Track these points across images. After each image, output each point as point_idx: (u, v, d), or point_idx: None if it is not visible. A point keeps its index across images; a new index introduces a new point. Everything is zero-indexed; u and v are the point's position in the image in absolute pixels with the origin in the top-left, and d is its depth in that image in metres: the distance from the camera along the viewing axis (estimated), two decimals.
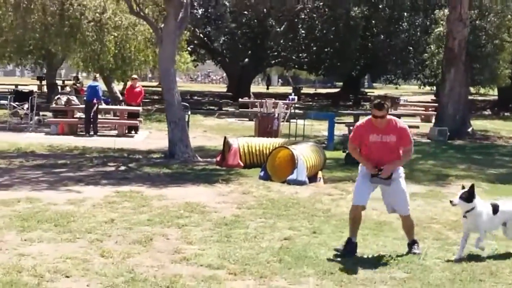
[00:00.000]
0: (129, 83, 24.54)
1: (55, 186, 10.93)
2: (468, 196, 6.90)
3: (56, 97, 22.86)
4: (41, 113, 23.16)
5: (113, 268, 6.23)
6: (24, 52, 31.08)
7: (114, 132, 20.73)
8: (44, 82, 37.44)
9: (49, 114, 22.63)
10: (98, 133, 19.98)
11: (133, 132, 20.77)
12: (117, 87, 32.97)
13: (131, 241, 7.32)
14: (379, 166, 7.09)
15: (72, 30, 24.27)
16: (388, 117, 7.16)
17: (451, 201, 7.09)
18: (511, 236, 7.33)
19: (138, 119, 21.24)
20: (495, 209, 7.09)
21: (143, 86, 24.34)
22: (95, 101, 19.83)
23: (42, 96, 31.75)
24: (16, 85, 35.38)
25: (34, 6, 22.92)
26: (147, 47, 27.03)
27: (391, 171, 7.10)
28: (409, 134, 7.23)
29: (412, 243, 7.27)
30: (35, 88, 34.20)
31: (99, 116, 20.77)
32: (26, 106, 22.60)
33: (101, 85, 22.77)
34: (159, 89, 28.59)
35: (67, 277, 5.98)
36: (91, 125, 19.81)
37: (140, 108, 21.78)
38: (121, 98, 27.46)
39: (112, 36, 25.68)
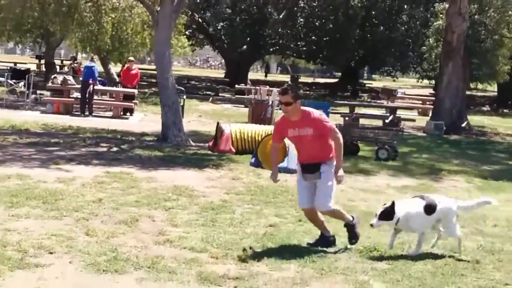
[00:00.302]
0: (126, 65, 24.55)
1: (46, 164, 10.99)
2: (388, 214, 6.64)
3: (52, 76, 22.87)
4: (38, 91, 23.16)
5: (97, 247, 6.31)
6: (23, 31, 31.06)
7: (110, 114, 20.76)
8: (42, 61, 37.39)
9: (46, 93, 22.65)
10: (93, 114, 20.01)
11: (128, 114, 20.81)
12: (114, 68, 32.95)
13: (117, 221, 7.40)
14: (309, 161, 6.80)
15: (70, 10, 24.30)
16: (302, 108, 6.82)
17: (371, 225, 6.74)
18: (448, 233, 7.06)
19: (134, 101, 21.28)
20: (430, 208, 6.80)
21: (141, 69, 24.36)
22: (91, 81, 19.85)
23: (41, 75, 31.71)
24: (15, 63, 35.29)
25: None
26: (144, 29, 27.06)
27: (342, 175, 6.79)
28: (324, 121, 6.78)
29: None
30: (33, 67, 34.18)
31: (95, 97, 20.78)
32: (22, 84, 22.62)
33: (98, 66, 22.78)
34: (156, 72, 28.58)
35: (51, 253, 6.06)
36: (87, 106, 19.84)
37: (135, 91, 21.81)
38: (117, 79, 27.47)
39: (110, 18, 25.71)
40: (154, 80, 34.88)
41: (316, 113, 6.84)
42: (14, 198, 8.08)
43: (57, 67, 34.78)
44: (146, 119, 20.23)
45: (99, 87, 21.44)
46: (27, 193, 8.46)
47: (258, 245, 6.75)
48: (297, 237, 7.25)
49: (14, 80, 23.54)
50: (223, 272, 5.80)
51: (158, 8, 15.94)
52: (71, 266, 5.76)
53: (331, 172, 6.79)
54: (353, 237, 6.96)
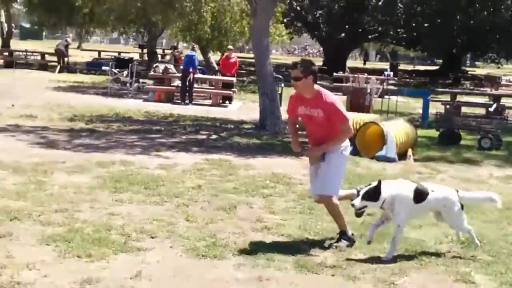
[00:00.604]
0: (225, 54, 24.87)
1: (148, 151, 11.30)
2: (372, 195, 6.01)
3: (154, 65, 23.49)
4: (140, 80, 23.86)
5: (196, 232, 6.44)
6: (127, 21, 31.97)
7: (209, 102, 21.10)
8: (145, 51, 38.44)
9: (149, 81, 23.29)
10: (193, 102, 20.39)
11: (227, 102, 21.09)
12: (214, 57, 33.45)
13: (215, 207, 7.51)
14: (316, 143, 6.46)
15: (171, 0, 24.80)
16: (319, 89, 6.41)
17: (352, 205, 6.12)
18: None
19: (232, 89, 21.52)
20: (419, 195, 6.15)
21: (240, 58, 24.61)
22: (191, 70, 20.21)
23: (143, 64, 32.63)
24: (119, 53, 36.49)
25: None
26: (242, 18, 27.32)
27: (315, 154, 6.44)
28: (339, 110, 6.30)
29: (340, 234, 6.42)
30: (136, 56, 35.22)
31: (195, 85, 21.17)
32: (126, 72, 23.36)
33: (198, 55, 23.17)
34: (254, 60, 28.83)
35: (152, 237, 6.23)
36: (187, 94, 20.25)
37: (234, 79, 22.04)
38: (217, 68, 27.87)
39: (209, 7, 26.11)
40: (252, 69, 35.20)
41: (332, 97, 6.40)
42: (117, 184, 8.36)
43: (159, 56, 35.65)
44: (244, 107, 20.43)
45: (199, 75, 21.82)
46: (130, 178, 8.72)
47: (356, 233, 6.69)
48: None
49: (118, 69, 24.35)
50: (320, 260, 5.78)
51: None
52: (172, 250, 5.90)
53: (338, 160, 6.37)
54: (342, 239, 6.35)
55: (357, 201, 6.03)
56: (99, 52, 38.33)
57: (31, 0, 37.81)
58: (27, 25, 65.86)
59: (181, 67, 21.26)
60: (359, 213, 6.27)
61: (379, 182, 6.07)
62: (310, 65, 6.55)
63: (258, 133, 14.34)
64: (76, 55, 39.90)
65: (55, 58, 31.07)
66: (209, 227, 6.67)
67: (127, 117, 16.05)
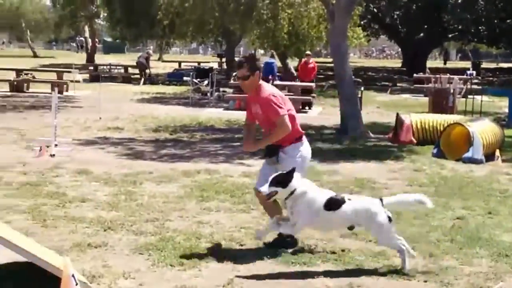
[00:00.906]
0: (303, 60, 24.91)
1: (231, 159, 11.45)
2: (282, 180, 5.58)
3: (234, 74, 23.74)
4: (220, 89, 24.18)
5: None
6: (205, 31, 32.50)
7: None
8: (223, 60, 38.94)
9: (228, 90, 23.57)
10: None
11: (306, 108, 21.09)
12: (292, 63, 33.54)
13: None
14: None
15: (248, 8, 25.12)
16: (260, 83, 6.09)
17: (259, 191, 5.81)
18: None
19: (312, 95, 21.51)
20: (333, 203, 5.67)
21: (317, 62, 24.59)
22: (270, 77, 20.32)
23: (222, 73, 33.06)
24: (198, 63, 37.13)
25: None
26: (319, 23, 27.31)
27: (249, 149, 6.42)
28: (273, 104, 5.94)
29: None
30: (215, 65, 35.73)
31: None
32: (206, 82, 23.74)
33: (277, 62, 23.30)
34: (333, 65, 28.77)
35: (241, 245, 6.31)
36: None
37: (313, 84, 22.03)
38: (295, 74, 27.94)
39: (286, 14, 26.20)
40: (330, 73, 35.11)
41: (268, 91, 6.04)
42: (204, 192, 8.50)
43: None
44: (324, 112, 20.38)
45: (278, 82, 21.91)
46: (215, 187, 8.86)
47: (446, 238, 6.57)
48: (488, 230, 6.97)
49: (198, 79, 24.77)
50: (412, 266, 5.71)
51: (334, 1, 15.98)
52: (261, 258, 5.94)
53: (293, 161, 5.98)
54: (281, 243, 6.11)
55: (265, 187, 5.63)
56: (179, 63, 39.15)
57: (112, 16, 39.06)
58: (110, 40, 67.89)
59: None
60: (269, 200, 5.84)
61: (293, 169, 5.64)
62: (255, 61, 6.25)
63: (339, 138, 14.28)
64: (157, 67, 40.86)
65: (137, 71, 31.90)
66: (297, 234, 6.68)
67: (209, 126, 16.30)
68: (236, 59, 38.10)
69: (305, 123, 16.93)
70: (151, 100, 22.96)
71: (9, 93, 23.45)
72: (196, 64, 34.36)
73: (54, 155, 10.92)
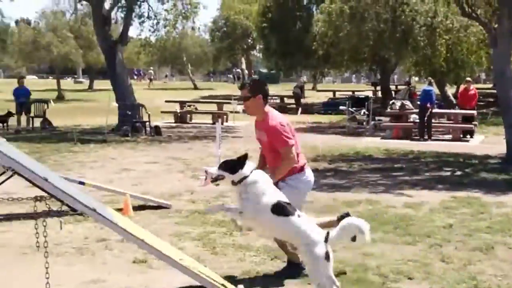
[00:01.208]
0: (462, 86, 24.15)
1: (392, 189, 11.29)
2: (232, 166, 5.21)
3: (390, 102, 23.53)
4: (376, 117, 24.02)
5: (454, 274, 6.28)
6: (359, 60, 32.47)
7: (448, 137, 20.57)
8: (378, 88, 38.67)
9: (384, 118, 23.35)
10: (432, 137, 20.01)
11: (468, 136, 20.40)
12: (450, 90, 32.65)
13: (471, 248, 7.26)
14: (271, 170, 5.82)
15: (404, 35, 24.91)
16: (267, 109, 5.93)
17: (206, 171, 5.34)
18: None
19: (473, 122, 20.79)
20: (279, 208, 5.13)
21: (477, 89, 23.75)
22: (428, 105, 19.90)
23: (377, 102, 32.83)
24: (353, 92, 37.13)
25: (368, 15, 24.10)
26: (479, 48, 26.44)
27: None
28: (280, 133, 5.77)
29: None
30: (370, 94, 35.58)
31: (433, 120, 20.79)
32: (363, 111, 23.69)
33: (435, 89, 22.79)
34: (494, 91, 27.66)
35: (410, 279, 6.19)
36: (425, 129, 19.94)
37: (475, 112, 21.29)
38: (454, 101, 27.15)
39: (444, 40, 25.65)
40: (491, 99, 33.81)
41: (277, 120, 5.87)
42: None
43: (392, 92, 35.65)
44: (487, 141, 19.61)
45: (436, 110, 21.41)
46: (378, 218, 8.78)
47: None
48: None
49: (354, 108, 24.76)
50: None
51: (495, 25, 15.42)
52: None
53: (293, 191, 5.78)
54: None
55: (214, 169, 5.30)
56: (334, 92, 39.32)
57: (268, 47, 40.12)
58: (264, 70, 69.67)
59: (418, 102, 21.03)
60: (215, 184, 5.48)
61: (246, 155, 5.29)
62: (258, 84, 6.19)
63: (506, 168, 13.66)
64: (312, 96, 41.33)
65: (293, 101, 32.49)
66: (467, 268, 6.46)
67: (367, 155, 16.20)
68: (391, 86, 37.86)
69: (467, 152, 16.47)
70: (307, 130, 23.23)
71: (174, 124, 24.76)
72: (351, 93, 34.38)
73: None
